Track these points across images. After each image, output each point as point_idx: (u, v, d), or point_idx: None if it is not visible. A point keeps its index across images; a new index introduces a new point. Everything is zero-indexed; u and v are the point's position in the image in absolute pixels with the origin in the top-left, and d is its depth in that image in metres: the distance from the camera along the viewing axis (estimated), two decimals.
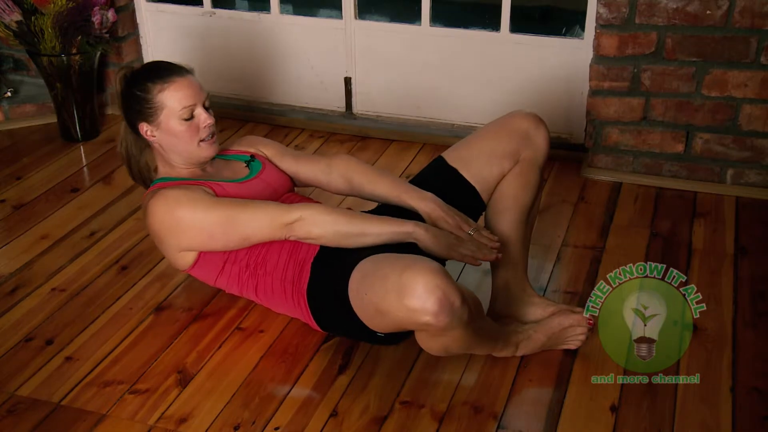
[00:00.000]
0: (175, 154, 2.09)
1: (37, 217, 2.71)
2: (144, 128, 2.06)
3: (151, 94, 2.02)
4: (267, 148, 2.27)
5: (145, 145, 2.12)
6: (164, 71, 2.05)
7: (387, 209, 2.12)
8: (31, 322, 2.21)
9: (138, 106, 2.04)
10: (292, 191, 2.24)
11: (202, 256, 2.08)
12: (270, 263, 2.05)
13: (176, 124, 2.03)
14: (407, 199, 2.09)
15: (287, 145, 3.13)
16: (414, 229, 1.97)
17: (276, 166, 2.24)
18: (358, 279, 1.86)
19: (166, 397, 1.95)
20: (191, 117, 2.04)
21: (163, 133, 2.05)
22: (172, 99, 2.02)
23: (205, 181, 2.08)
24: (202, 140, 2.07)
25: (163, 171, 2.14)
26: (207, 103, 2.08)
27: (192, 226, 2.00)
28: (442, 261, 2.00)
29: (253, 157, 2.23)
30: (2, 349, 2.11)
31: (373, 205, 2.22)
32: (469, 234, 2.01)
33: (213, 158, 2.18)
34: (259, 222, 1.99)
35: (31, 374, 2.03)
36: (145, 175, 2.17)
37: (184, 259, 2.09)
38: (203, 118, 2.06)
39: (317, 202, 2.15)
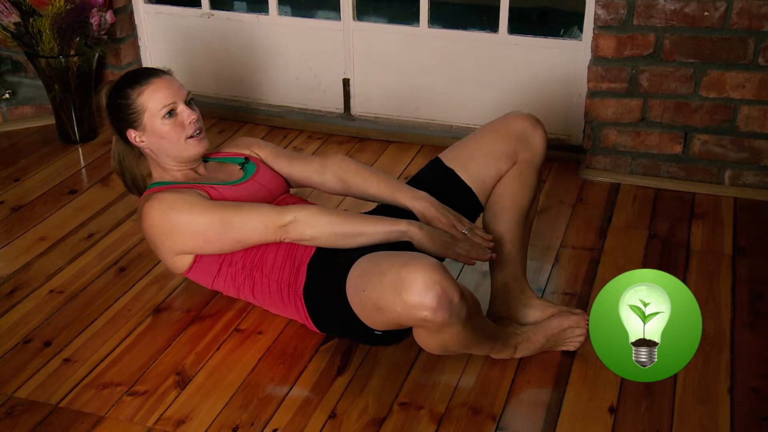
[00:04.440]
0: (165, 156, 2.10)
1: (35, 218, 2.70)
2: (132, 135, 2.08)
3: (131, 99, 2.04)
4: (261, 150, 2.28)
5: (139, 154, 2.14)
6: (141, 76, 2.07)
7: (384, 210, 2.12)
8: (29, 324, 2.21)
9: (122, 114, 2.06)
10: (287, 193, 2.24)
11: (199, 259, 2.08)
12: (267, 265, 2.05)
13: (160, 124, 2.04)
14: (401, 199, 2.09)
15: (285, 147, 3.15)
16: (408, 228, 1.97)
17: (270, 168, 2.25)
18: (357, 276, 1.85)
19: (164, 398, 1.95)
20: (173, 115, 2.05)
21: (150, 137, 2.07)
22: (151, 100, 2.03)
23: (200, 184, 2.08)
24: (189, 137, 2.07)
25: (157, 176, 2.15)
26: (189, 101, 2.09)
27: (187, 230, 2.01)
28: (440, 259, 2.00)
29: (247, 159, 2.23)
30: (0, 351, 2.11)
31: (371, 206, 2.22)
32: (464, 233, 2.02)
33: (206, 161, 2.20)
34: (253, 225, 1.99)
35: (29, 376, 2.02)
36: (139, 185, 2.18)
37: (181, 263, 2.10)
38: (186, 114, 2.06)
39: (313, 203, 2.14)
